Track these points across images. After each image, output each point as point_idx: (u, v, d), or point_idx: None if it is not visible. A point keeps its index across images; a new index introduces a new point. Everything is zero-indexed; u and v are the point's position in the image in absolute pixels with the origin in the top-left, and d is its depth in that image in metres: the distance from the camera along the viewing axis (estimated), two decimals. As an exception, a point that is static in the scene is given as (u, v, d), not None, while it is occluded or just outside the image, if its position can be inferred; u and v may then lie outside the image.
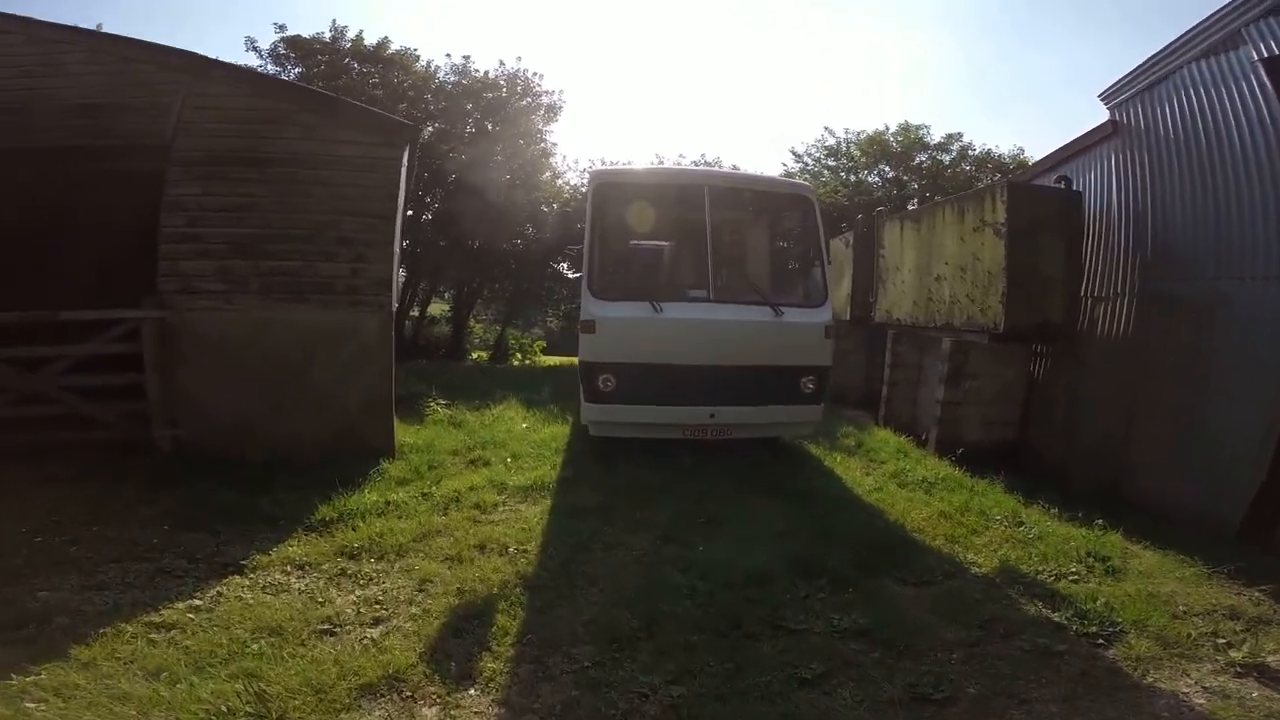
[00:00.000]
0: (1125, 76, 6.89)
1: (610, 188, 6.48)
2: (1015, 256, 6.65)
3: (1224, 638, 3.48)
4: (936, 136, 15.72)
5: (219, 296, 5.85)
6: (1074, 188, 7.28)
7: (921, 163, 15.77)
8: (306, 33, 15.63)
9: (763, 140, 64.23)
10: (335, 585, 3.73)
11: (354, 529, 4.44)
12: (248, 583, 3.69)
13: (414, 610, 3.44)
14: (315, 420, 5.86)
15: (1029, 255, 6.71)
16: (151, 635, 3.07)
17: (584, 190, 16.70)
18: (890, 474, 6.59)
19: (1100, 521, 5.20)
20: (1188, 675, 3.15)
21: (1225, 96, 5.76)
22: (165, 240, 5.80)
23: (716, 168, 15.74)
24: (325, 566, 3.94)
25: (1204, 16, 5.98)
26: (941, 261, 7.77)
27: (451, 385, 9.59)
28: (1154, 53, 6.59)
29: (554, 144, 18.00)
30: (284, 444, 5.65)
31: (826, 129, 19.76)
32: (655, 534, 4.64)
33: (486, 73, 16.38)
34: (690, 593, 3.73)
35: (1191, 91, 6.11)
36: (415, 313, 17.15)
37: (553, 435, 7.22)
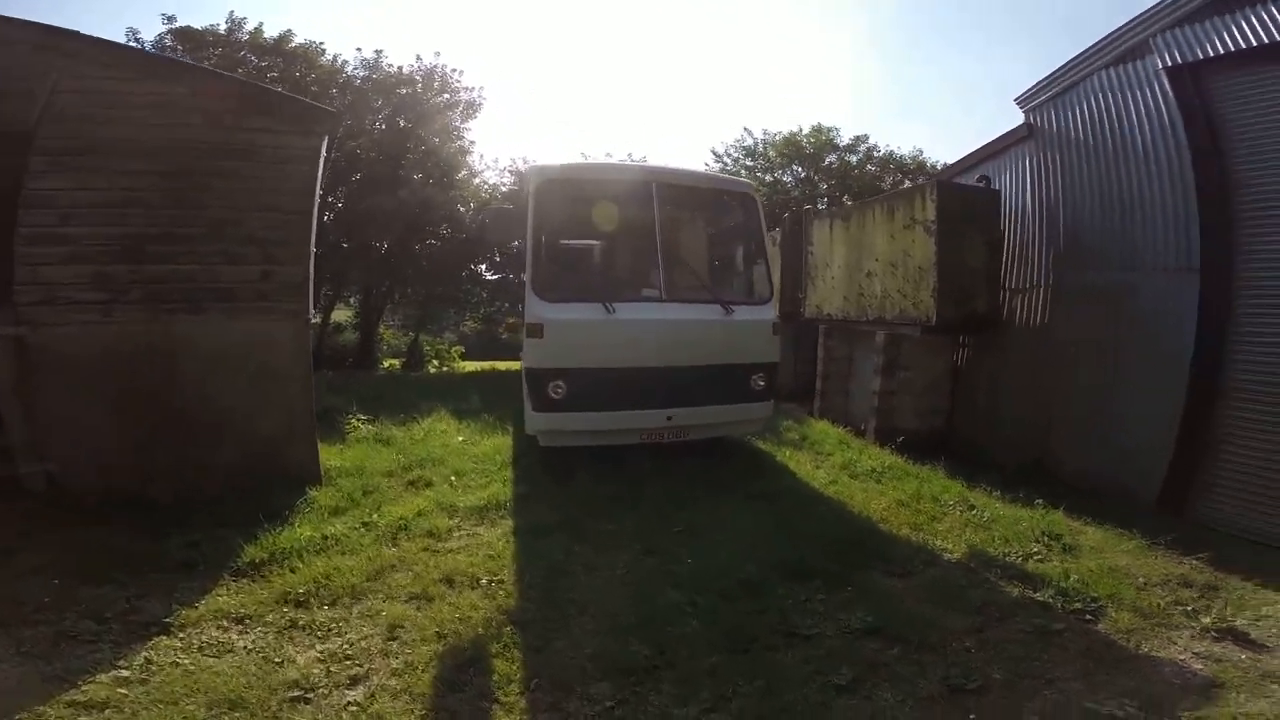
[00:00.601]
0: (1040, 82, 7.34)
1: (553, 183, 6.11)
2: (944, 252, 6.93)
3: (1187, 605, 3.75)
4: (845, 138, 16.52)
5: (95, 308, 4.93)
6: (992, 186, 7.71)
7: (831, 163, 16.44)
8: (199, 24, 14.05)
9: (681, 138, 65.21)
10: (289, 640, 3.18)
11: (292, 571, 3.86)
12: (179, 644, 3.08)
13: (394, 664, 2.98)
14: (224, 448, 5.09)
15: (956, 251, 7.01)
16: (80, 718, 2.46)
17: (504, 189, 16.20)
18: (839, 465, 6.70)
19: (1040, 501, 5.49)
20: (1174, 643, 3.35)
21: (1132, 102, 6.26)
22: (22, 241, 4.82)
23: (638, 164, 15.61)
24: (270, 618, 3.37)
25: (1115, 26, 6.46)
26: (872, 258, 8.01)
27: (368, 397, 8.80)
28: (1068, 60, 7.04)
29: (472, 142, 17.38)
30: (187, 477, 4.88)
31: (745, 129, 20.28)
32: (632, 549, 4.39)
33: (400, 68, 15.50)
34: (692, 610, 3.54)
35: (1101, 97, 6.59)
36: (318, 320, 15.82)
37: (494, 448, 6.75)
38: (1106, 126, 6.53)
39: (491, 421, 7.89)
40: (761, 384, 6.22)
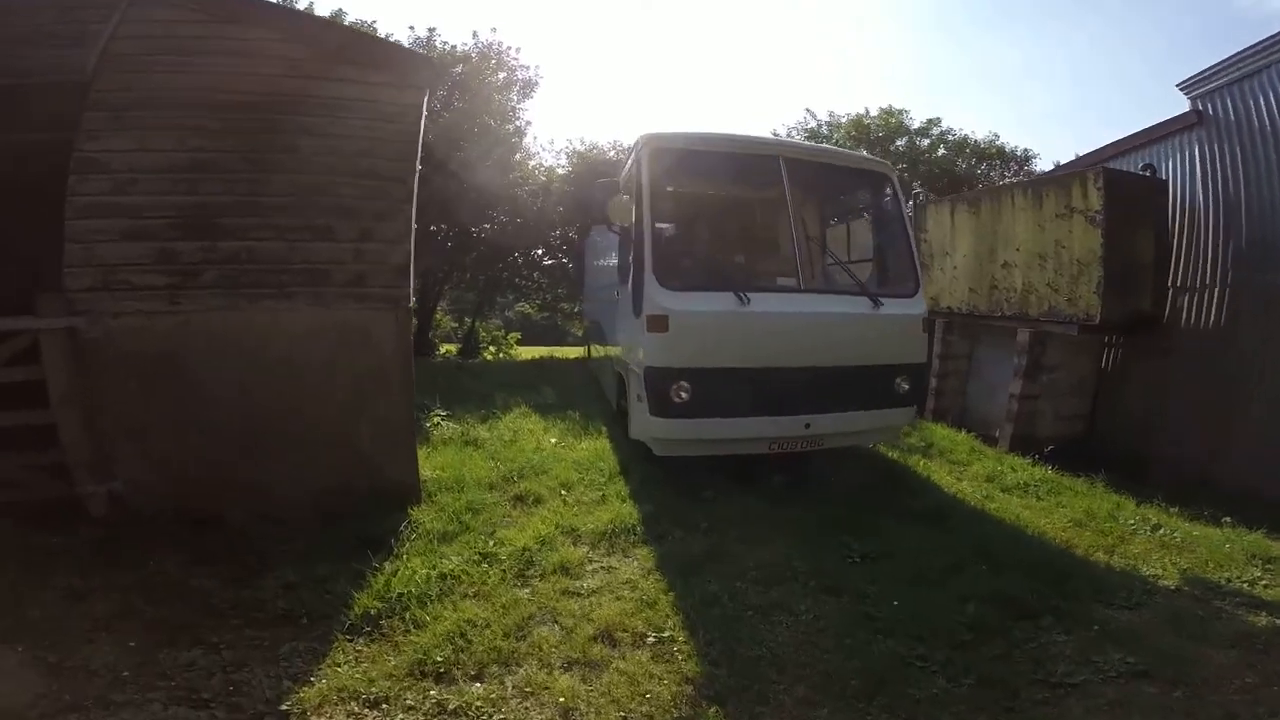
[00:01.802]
0: (1208, 69, 6.61)
1: (666, 154, 5.27)
2: (1112, 245, 6.06)
3: None
4: (917, 121, 15.46)
5: (159, 294, 4.13)
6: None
7: (899, 147, 15.41)
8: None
9: (736, 121, 63.62)
10: (444, 735, 2.43)
11: (418, 625, 3.11)
12: (309, 742, 2.33)
13: (590, 772, 2.22)
14: (313, 460, 4.30)
15: (1122, 244, 6.17)
16: None
17: (561, 171, 15.31)
18: (983, 478, 6.02)
19: (1227, 520, 4.96)
20: None
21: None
22: (74, 214, 4.03)
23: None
24: (410, 699, 2.61)
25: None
26: (1011, 248, 7.11)
27: (438, 389, 8.04)
28: (1240, 49, 6.35)
29: (528, 123, 16.48)
30: (271, 495, 4.12)
31: (808, 111, 18.87)
32: (807, 586, 3.66)
33: (454, 46, 14.56)
34: (923, 663, 2.92)
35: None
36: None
37: (594, 453, 5.96)
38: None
39: (577, 419, 7.11)
40: (906, 387, 5.41)
